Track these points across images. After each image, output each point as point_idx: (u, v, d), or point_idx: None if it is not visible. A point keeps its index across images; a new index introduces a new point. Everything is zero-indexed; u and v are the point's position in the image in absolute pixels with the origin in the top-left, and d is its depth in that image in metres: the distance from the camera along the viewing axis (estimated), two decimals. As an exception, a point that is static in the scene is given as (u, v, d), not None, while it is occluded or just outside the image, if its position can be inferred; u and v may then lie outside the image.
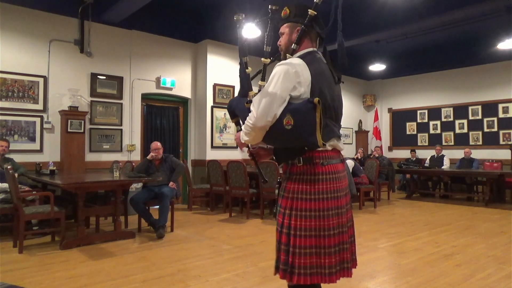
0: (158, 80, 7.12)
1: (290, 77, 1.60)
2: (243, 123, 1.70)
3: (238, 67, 1.86)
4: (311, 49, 1.78)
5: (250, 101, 1.68)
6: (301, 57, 1.71)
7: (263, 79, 1.73)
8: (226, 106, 1.95)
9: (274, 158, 1.84)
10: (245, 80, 1.82)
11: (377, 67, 9.54)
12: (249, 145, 1.82)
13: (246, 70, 1.80)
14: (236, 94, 7.71)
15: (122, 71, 6.75)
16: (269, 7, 1.79)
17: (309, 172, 1.66)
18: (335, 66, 1.78)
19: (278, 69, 1.64)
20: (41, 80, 5.89)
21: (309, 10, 1.73)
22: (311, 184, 1.65)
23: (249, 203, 6.21)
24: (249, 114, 1.64)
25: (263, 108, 1.58)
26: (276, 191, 1.83)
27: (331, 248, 1.63)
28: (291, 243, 1.63)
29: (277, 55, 1.88)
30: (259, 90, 1.68)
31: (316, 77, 1.64)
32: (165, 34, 7.24)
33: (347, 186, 1.79)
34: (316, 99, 1.56)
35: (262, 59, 1.77)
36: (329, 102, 1.68)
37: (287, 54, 1.78)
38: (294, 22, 1.79)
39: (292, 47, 1.76)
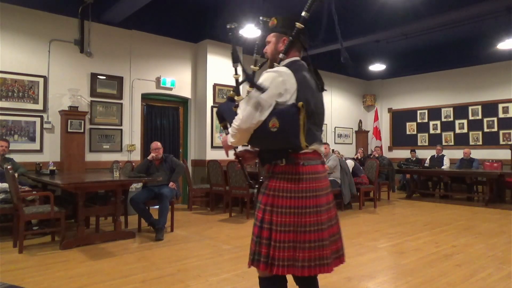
0: (158, 80, 7.12)
1: (277, 84, 1.70)
2: (231, 126, 1.79)
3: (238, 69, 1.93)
4: (295, 58, 1.87)
5: (238, 105, 1.77)
6: (287, 65, 1.79)
7: (251, 86, 1.80)
8: (216, 110, 2.05)
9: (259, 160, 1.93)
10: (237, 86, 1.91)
11: (377, 67, 9.53)
12: (235, 148, 1.92)
13: (235, 76, 1.90)
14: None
15: (122, 71, 6.75)
16: (260, 18, 1.92)
17: (291, 171, 1.75)
18: (317, 74, 1.88)
19: (266, 76, 1.73)
20: (41, 80, 5.89)
21: (296, 23, 1.81)
22: (292, 183, 1.74)
23: (249, 203, 6.21)
24: (236, 117, 1.74)
25: (249, 112, 1.68)
26: (255, 190, 1.91)
27: (306, 244, 1.71)
28: (272, 237, 1.72)
29: (263, 63, 1.99)
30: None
31: (301, 85, 1.74)
32: (165, 34, 7.24)
33: (328, 186, 1.88)
34: (300, 103, 1.65)
35: (251, 66, 1.88)
36: (313, 108, 1.77)
37: (274, 63, 1.86)
38: (280, 32, 1.88)
39: (279, 56, 1.84)
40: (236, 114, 1.75)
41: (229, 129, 1.79)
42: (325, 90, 1.91)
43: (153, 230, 4.83)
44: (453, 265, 3.63)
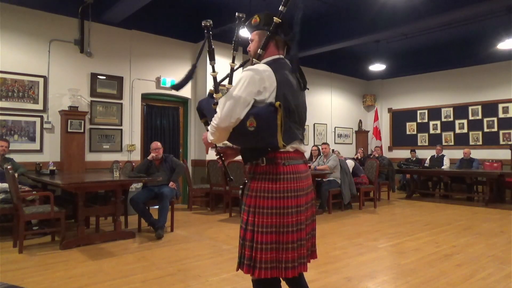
0: (158, 80, 7.12)
1: (255, 82, 1.68)
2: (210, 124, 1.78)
3: (230, 70, 1.94)
4: (277, 56, 1.85)
5: (217, 103, 1.75)
6: (268, 63, 1.78)
7: (230, 83, 1.82)
8: (196, 106, 2.04)
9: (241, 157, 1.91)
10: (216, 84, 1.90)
11: (377, 67, 9.52)
12: (216, 145, 1.90)
13: (213, 74, 1.90)
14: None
15: (122, 71, 6.75)
16: (236, 14, 1.90)
17: (272, 171, 1.74)
18: (301, 73, 1.86)
19: (244, 74, 1.72)
20: (41, 80, 5.89)
21: (274, 17, 1.79)
22: (273, 183, 1.73)
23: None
24: (215, 115, 1.72)
25: (227, 110, 1.66)
26: (240, 191, 1.90)
27: (289, 244, 1.71)
28: (254, 239, 1.71)
29: (246, 60, 1.98)
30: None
31: (281, 83, 1.72)
32: (165, 34, 7.24)
33: (310, 186, 1.87)
34: (277, 103, 1.64)
35: (230, 63, 1.88)
36: (293, 107, 1.75)
37: (254, 59, 1.85)
38: (264, 30, 1.85)
39: (258, 52, 1.83)
40: (215, 111, 1.73)
41: (209, 127, 1.78)
42: (307, 89, 1.89)
43: (153, 230, 4.84)
44: (453, 265, 3.63)
